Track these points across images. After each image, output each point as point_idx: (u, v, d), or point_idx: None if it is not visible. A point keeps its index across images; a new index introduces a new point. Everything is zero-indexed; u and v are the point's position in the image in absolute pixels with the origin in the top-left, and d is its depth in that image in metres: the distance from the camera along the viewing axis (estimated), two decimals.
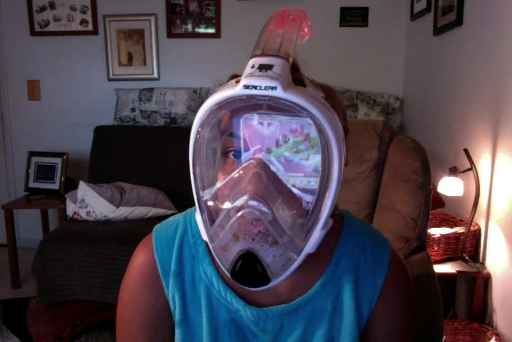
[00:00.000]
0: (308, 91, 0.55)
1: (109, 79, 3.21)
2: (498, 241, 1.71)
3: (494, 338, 1.61)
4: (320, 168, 0.57)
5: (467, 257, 1.78)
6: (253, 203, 0.55)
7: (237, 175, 0.57)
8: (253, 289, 0.59)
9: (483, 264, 1.81)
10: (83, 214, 2.53)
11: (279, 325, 0.70)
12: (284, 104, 0.53)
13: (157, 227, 0.76)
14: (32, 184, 2.95)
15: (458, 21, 2.04)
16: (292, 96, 0.52)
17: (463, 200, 1.92)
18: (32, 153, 2.99)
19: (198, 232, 0.71)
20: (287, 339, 0.70)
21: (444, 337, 1.48)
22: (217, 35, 3.11)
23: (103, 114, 3.18)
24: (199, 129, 0.58)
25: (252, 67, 0.53)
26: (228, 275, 0.59)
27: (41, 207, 3.01)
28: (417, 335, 0.75)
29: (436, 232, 1.78)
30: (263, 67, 0.53)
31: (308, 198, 0.58)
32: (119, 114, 3.08)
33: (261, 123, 0.56)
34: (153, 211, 2.58)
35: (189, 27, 3.12)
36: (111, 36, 3.14)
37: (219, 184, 0.59)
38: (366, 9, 3.01)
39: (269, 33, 0.57)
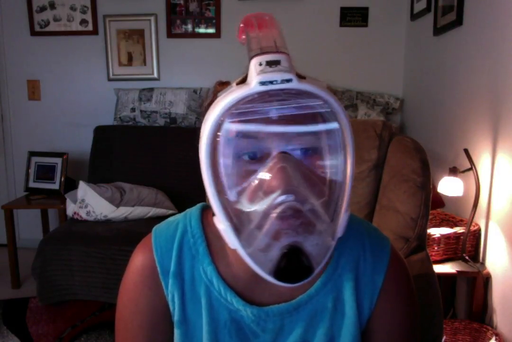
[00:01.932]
0: (317, 81, 0.56)
1: (109, 79, 3.21)
2: (498, 241, 1.70)
3: (494, 338, 1.61)
4: (339, 154, 0.59)
5: (467, 257, 1.78)
6: (288, 196, 0.55)
7: (263, 173, 0.57)
8: (293, 285, 0.58)
9: (483, 264, 1.81)
10: (83, 214, 2.53)
11: (280, 324, 0.70)
12: (296, 96, 0.55)
13: (157, 227, 0.75)
14: (32, 184, 2.95)
15: (458, 21, 2.04)
16: (307, 86, 0.54)
17: (463, 200, 1.92)
18: (32, 153, 2.99)
19: (198, 231, 0.71)
20: (288, 338, 0.70)
21: (444, 337, 1.48)
22: (217, 35, 3.11)
23: (103, 114, 3.18)
24: (213, 134, 0.56)
25: (260, 64, 0.53)
26: (270, 277, 0.57)
27: (41, 207, 3.01)
28: (418, 333, 0.75)
29: (436, 232, 1.78)
30: (272, 63, 0.53)
31: (331, 182, 0.59)
32: (119, 114, 3.08)
33: (275, 119, 0.56)
34: (153, 211, 2.58)
35: (189, 27, 3.12)
36: (111, 36, 3.14)
37: (245, 186, 0.58)
38: (366, 9, 3.01)
39: (257, 35, 0.57)
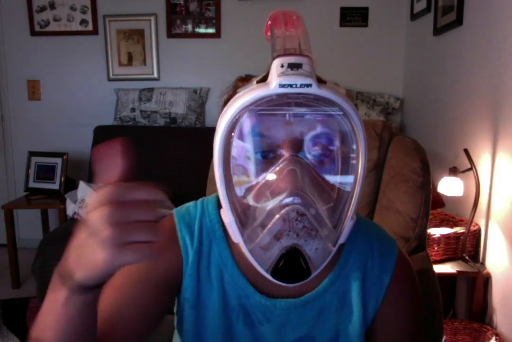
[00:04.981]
0: (336, 88, 0.57)
1: (109, 79, 3.21)
2: (498, 241, 1.70)
3: (494, 338, 1.61)
4: (350, 162, 0.59)
5: (467, 257, 1.78)
6: (295, 199, 0.56)
7: (272, 173, 0.58)
8: (291, 285, 0.60)
9: (483, 264, 1.81)
10: (83, 214, 2.53)
11: (286, 318, 0.71)
12: (314, 101, 0.55)
13: (177, 209, 0.76)
14: (32, 184, 2.95)
15: (458, 21, 2.04)
16: (326, 93, 0.54)
17: (463, 200, 1.92)
18: (32, 153, 2.99)
19: (216, 217, 0.73)
20: (292, 331, 0.71)
21: (444, 337, 1.48)
22: (217, 35, 3.11)
23: (103, 114, 3.18)
24: (227, 131, 0.57)
25: (282, 66, 0.53)
26: (268, 274, 0.59)
27: (41, 207, 3.01)
28: (422, 334, 0.76)
29: (436, 232, 1.78)
30: (293, 66, 0.53)
31: (339, 189, 0.60)
32: (119, 114, 3.08)
33: (291, 121, 0.57)
34: None
35: (189, 27, 3.12)
36: (111, 36, 3.14)
37: (253, 184, 0.59)
38: (366, 9, 3.01)
39: (283, 34, 0.57)
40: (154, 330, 0.70)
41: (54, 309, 0.51)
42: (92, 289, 0.49)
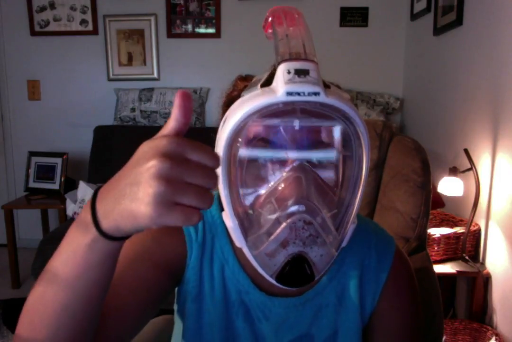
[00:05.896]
0: (342, 94, 0.56)
1: (109, 79, 3.21)
2: (498, 241, 1.71)
3: (494, 338, 1.61)
4: (353, 168, 0.59)
5: (467, 257, 1.78)
6: (301, 207, 0.56)
7: (278, 180, 0.57)
8: (292, 289, 0.60)
9: (483, 264, 1.81)
10: None
11: (285, 316, 0.72)
12: (320, 107, 0.54)
13: None
14: (32, 184, 2.95)
15: (458, 21, 2.04)
16: (333, 101, 0.53)
17: (463, 200, 1.92)
18: (32, 153, 2.99)
19: (217, 213, 0.73)
20: (291, 329, 0.72)
21: (444, 337, 1.48)
22: (217, 35, 3.11)
23: (103, 114, 3.18)
24: (232, 136, 0.55)
25: (288, 72, 0.52)
26: (273, 280, 0.59)
27: (41, 207, 3.01)
28: (420, 331, 0.76)
29: (436, 232, 1.78)
30: (300, 73, 0.52)
31: (342, 195, 0.60)
32: (119, 114, 3.08)
33: (297, 128, 0.57)
34: None
35: (189, 27, 3.12)
36: (111, 36, 3.15)
37: (259, 191, 0.59)
38: (366, 9, 3.01)
39: (286, 35, 0.56)
40: (149, 319, 0.68)
41: (72, 259, 0.47)
42: (115, 239, 0.46)
